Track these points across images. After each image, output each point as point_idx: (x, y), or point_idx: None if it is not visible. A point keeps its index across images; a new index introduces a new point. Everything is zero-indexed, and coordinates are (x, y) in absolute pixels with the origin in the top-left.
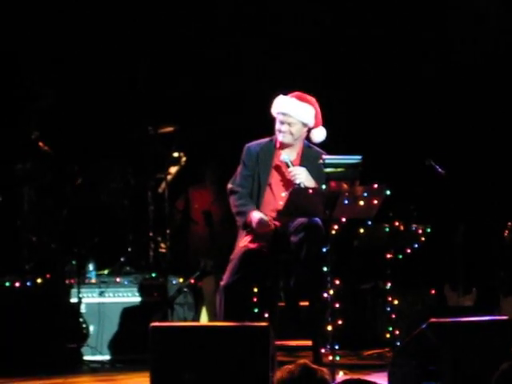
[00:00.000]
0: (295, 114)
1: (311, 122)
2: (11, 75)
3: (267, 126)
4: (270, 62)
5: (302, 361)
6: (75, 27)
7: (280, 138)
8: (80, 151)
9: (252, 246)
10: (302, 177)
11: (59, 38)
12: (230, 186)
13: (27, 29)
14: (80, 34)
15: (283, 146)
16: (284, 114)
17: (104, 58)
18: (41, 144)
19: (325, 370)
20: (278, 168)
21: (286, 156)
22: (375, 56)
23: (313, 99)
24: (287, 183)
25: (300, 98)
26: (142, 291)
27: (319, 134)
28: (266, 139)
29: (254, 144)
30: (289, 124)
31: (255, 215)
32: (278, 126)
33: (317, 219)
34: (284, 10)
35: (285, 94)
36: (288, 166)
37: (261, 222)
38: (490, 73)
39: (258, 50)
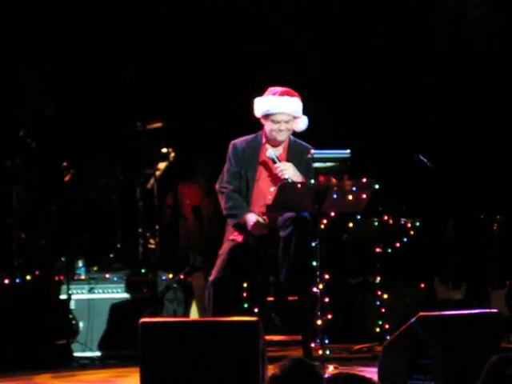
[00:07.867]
0: (291, 111)
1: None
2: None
3: (255, 121)
4: (257, 57)
5: (294, 356)
6: (65, 25)
7: (279, 137)
8: (69, 147)
9: (240, 240)
10: (289, 172)
11: (48, 35)
12: (217, 185)
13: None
14: (68, 31)
15: (270, 141)
16: (281, 114)
17: (92, 55)
18: (29, 141)
19: (318, 364)
20: (264, 164)
21: (272, 152)
22: (363, 50)
23: (294, 91)
24: (275, 179)
25: (289, 94)
26: (132, 287)
27: (303, 123)
28: (252, 135)
29: (240, 140)
30: (286, 122)
31: (250, 218)
32: (274, 126)
33: (305, 214)
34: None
35: (260, 94)
36: (274, 162)
37: (257, 224)
38: (475, 66)
39: (246, 46)
